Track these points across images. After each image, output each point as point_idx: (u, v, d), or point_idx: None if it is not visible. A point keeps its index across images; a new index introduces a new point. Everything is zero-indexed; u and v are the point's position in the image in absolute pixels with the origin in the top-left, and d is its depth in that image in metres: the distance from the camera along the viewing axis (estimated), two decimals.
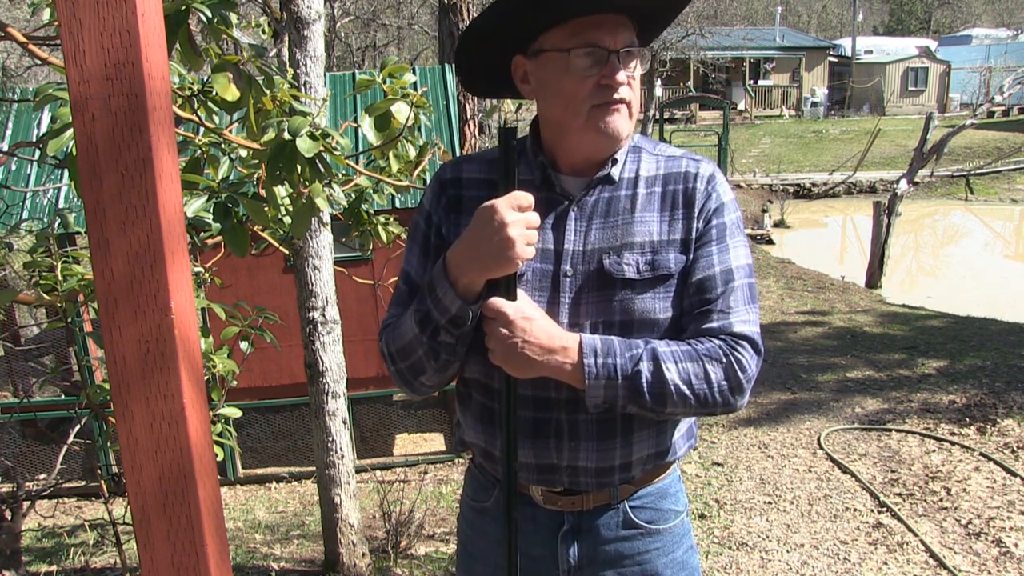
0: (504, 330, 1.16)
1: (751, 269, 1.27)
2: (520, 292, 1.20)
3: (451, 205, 1.31)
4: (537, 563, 1.34)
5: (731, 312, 1.22)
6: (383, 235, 2.71)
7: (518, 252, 1.13)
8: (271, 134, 1.67)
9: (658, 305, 1.23)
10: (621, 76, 1.20)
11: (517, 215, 1.13)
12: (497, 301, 1.16)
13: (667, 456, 1.33)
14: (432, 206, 1.33)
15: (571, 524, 1.32)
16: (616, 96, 1.21)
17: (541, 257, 1.25)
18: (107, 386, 2.27)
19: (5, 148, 4.55)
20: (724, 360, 1.18)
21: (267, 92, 1.63)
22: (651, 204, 1.26)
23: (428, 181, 1.39)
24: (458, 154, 4.99)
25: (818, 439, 4.70)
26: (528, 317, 1.16)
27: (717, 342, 1.20)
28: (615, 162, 1.27)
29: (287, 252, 3.05)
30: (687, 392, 1.17)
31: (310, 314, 3.27)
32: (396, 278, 1.39)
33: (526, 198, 1.15)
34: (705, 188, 1.26)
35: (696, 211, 1.25)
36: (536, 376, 1.19)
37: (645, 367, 1.17)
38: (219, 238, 1.87)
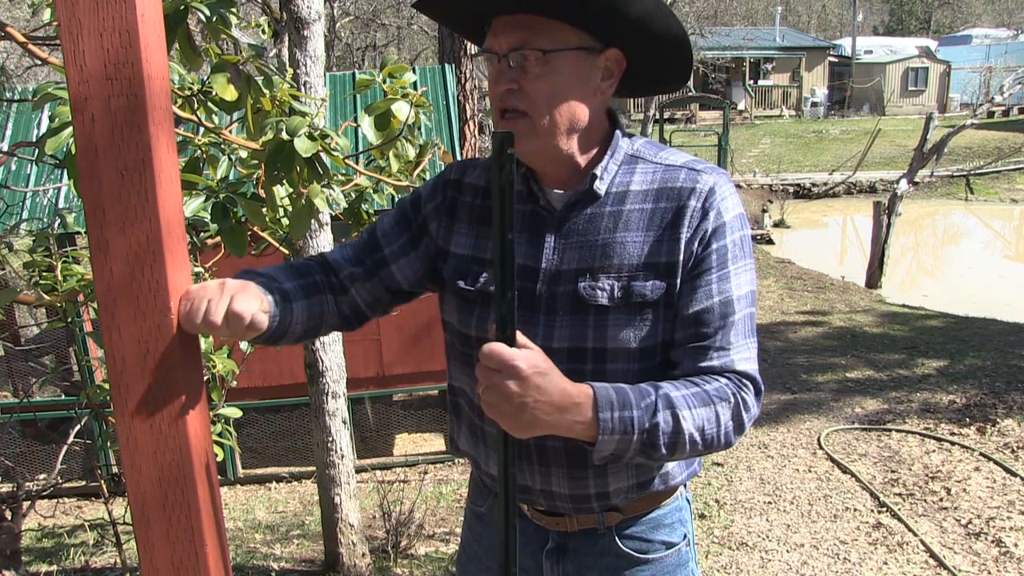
0: (515, 387, 0.95)
1: (753, 297, 1.16)
2: (520, 336, 0.97)
3: (446, 206, 1.29)
4: (526, 574, 1.34)
5: (731, 349, 1.12)
6: None
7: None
8: (269, 134, 1.67)
9: (633, 334, 1.14)
10: (500, 83, 1.11)
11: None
12: (502, 350, 0.95)
13: (654, 485, 1.26)
14: (427, 195, 1.30)
15: (555, 543, 1.31)
16: (501, 104, 1.12)
17: (519, 274, 1.18)
18: (107, 386, 2.27)
19: (5, 148, 4.55)
20: (732, 400, 1.10)
21: (266, 92, 1.63)
22: (637, 223, 1.15)
23: (428, 181, 1.37)
24: (458, 154, 4.98)
25: (818, 439, 4.70)
26: (543, 371, 0.98)
27: (724, 381, 1.11)
28: (594, 177, 1.17)
29: (287, 252, 3.04)
30: (699, 439, 1.08)
31: None
32: None
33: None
34: (701, 206, 1.13)
35: (685, 233, 1.13)
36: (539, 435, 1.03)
37: (662, 418, 1.05)
38: (219, 238, 1.87)
